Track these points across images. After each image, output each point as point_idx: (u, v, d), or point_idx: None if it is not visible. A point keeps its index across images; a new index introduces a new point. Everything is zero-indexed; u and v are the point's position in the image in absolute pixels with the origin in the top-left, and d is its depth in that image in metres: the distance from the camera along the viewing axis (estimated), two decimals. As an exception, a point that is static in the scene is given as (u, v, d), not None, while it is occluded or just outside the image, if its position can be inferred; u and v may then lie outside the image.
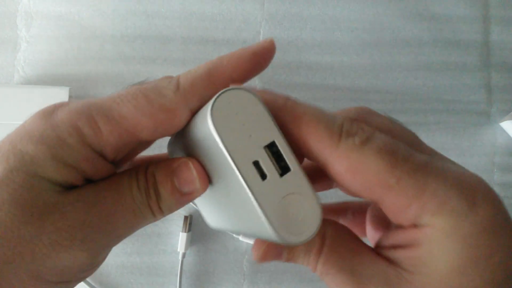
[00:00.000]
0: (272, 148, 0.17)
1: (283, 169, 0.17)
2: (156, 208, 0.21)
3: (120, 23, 0.49)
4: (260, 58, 0.21)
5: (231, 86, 0.18)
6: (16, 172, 0.18)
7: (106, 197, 0.20)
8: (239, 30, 0.50)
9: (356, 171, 0.18)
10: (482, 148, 0.50)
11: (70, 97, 0.42)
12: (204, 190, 0.21)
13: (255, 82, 0.49)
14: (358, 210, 0.27)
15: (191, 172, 0.21)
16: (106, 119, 0.19)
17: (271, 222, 0.17)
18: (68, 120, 0.19)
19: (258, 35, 0.50)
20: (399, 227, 0.20)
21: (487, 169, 0.50)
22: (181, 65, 0.49)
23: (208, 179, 0.21)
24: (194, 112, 0.20)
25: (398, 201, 0.18)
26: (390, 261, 0.19)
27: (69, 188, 0.19)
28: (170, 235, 0.46)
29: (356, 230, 0.26)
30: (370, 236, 0.26)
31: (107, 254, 0.22)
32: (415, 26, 0.51)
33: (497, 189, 0.40)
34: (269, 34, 0.50)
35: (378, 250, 0.20)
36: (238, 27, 0.50)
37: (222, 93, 0.17)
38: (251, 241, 0.45)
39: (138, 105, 0.19)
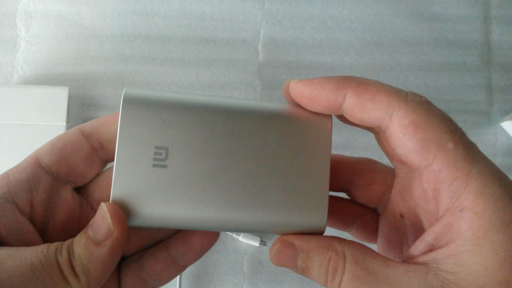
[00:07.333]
0: None
1: None
2: (68, 271, 0.18)
3: (119, 23, 0.49)
4: None
5: None
6: None
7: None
8: (239, 30, 0.50)
9: (419, 124, 0.18)
10: (483, 148, 0.49)
11: (69, 96, 0.42)
12: (120, 235, 0.18)
13: (255, 82, 0.49)
14: (362, 225, 0.25)
15: (103, 213, 0.18)
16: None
17: None
18: None
19: (258, 35, 0.50)
20: (432, 222, 0.19)
21: (487, 169, 0.50)
22: (181, 64, 0.49)
23: (125, 222, 0.19)
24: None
25: (446, 170, 0.18)
26: (429, 267, 0.18)
27: None
28: (169, 235, 0.46)
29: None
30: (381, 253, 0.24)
31: None
32: (415, 26, 0.51)
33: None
34: (269, 34, 0.50)
35: (411, 261, 0.19)
36: (238, 27, 0.50)
37: None
38: (251, 242, 0.45)
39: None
